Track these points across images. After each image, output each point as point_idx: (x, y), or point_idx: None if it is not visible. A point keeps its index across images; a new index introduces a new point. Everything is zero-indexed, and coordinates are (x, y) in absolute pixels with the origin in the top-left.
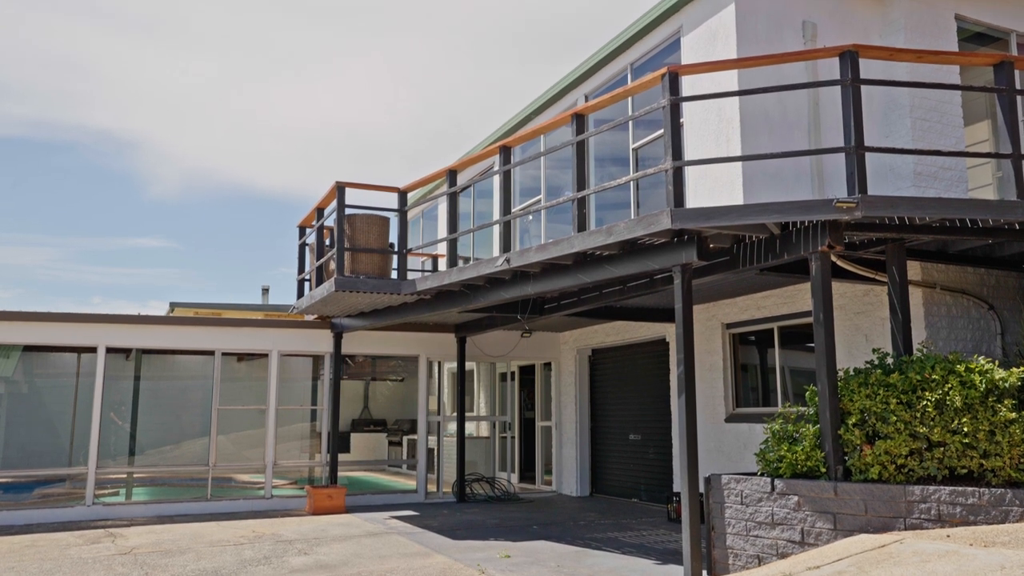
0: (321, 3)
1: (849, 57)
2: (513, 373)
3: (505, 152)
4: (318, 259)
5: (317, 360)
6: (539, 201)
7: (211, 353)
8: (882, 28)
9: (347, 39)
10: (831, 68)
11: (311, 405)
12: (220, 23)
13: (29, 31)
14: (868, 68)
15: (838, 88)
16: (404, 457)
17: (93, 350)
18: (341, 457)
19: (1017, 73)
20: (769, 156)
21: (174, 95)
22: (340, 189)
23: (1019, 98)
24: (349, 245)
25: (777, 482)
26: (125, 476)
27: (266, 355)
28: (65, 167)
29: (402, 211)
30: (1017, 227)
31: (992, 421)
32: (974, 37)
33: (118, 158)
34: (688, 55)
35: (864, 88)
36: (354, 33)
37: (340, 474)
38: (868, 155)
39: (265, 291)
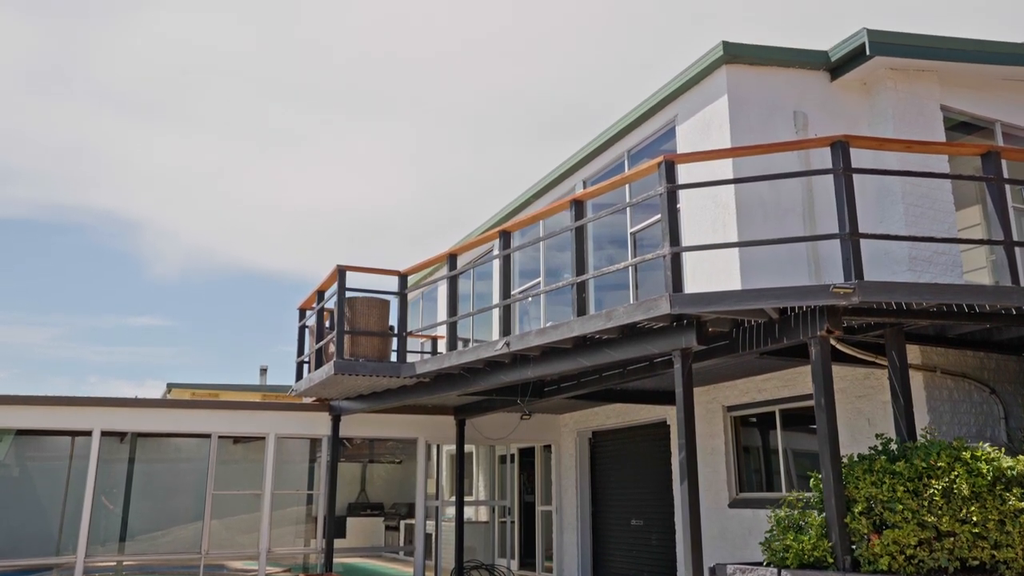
0: (324, 86)
1: (840, 147)
2: (513, 455)
3: (505, 237)
4: (318, 341)
5: (314, 443)
6: (539, 284)
7: (207, 436)
8: (870, 118)
9: (349, 122)
10: (823, 155)
11: (307, 490)
12: (222, 106)
13: (40, 117)
14: (859, 156)
15: (831, 175)
16: (401, 543)
17: (88, 433)
18: (337, 543)
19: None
20: (765, 242)
21: (177, 176)
22: (341, 272)
23: (1008, 185)
24: (349, 328)
25: (784, 573)
26: (115, 564)
27: (263, 438)
28: (70, 247)
29: (402, 294)
30: (1014, 312)
31: (1001, 510)
32: (960, 125)
33: (121, 239)
34: (683, 143)
35: (856, 175)
36: (355, 116)
37: (335, 560)
38: (863, 240)
39: (263, 371)
